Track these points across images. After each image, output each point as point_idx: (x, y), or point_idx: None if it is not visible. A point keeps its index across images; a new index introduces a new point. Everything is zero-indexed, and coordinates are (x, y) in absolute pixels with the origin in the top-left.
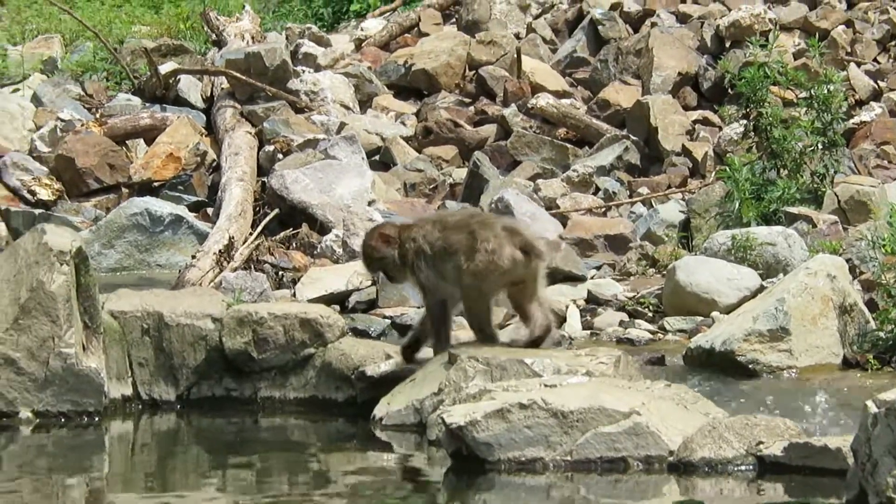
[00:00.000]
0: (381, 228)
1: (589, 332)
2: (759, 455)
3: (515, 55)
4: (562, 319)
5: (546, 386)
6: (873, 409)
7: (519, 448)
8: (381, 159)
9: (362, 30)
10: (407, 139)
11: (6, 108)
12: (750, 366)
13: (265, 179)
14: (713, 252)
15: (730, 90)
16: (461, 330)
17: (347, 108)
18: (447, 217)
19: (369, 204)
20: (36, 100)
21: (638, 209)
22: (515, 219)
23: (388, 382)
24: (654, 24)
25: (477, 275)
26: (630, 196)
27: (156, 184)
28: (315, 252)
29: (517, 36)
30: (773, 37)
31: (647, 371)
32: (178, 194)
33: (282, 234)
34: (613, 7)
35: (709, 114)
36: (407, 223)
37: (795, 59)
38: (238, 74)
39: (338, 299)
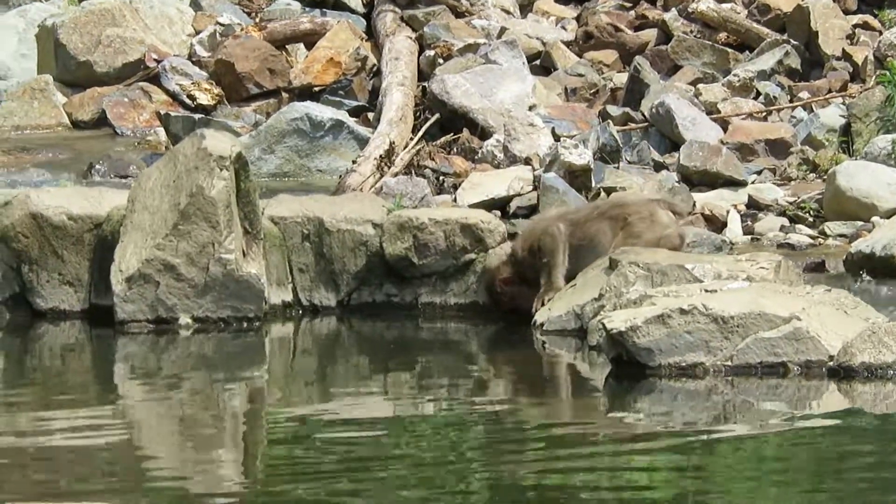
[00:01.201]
0: (498, 273)
1: (749, 237)
2: None
3: None
4: (722, 224)
5: (706, 291)
6: None
7: (679, 353)
8: (541, 64)
9: None
10: (567, 44)
11: (165, 13)
12: None
13: (425, 84)
14: (873, 156)
15: None
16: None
17: (508, 12)
18: (568, 215)
19: (530, 109)
20: (195, 4)
21: (798, 114)
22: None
23: None
24: None
25: (640, 241)
26: (790, 100)
27: (316, 88)
28: (476, 157)
29: None
30: None
31: (808, 276)
32: (338, 99)
33: (442, 139)
34: None
35: (869, 18)
36: (513, 247)
37: None
38: None
39: (499, 204)
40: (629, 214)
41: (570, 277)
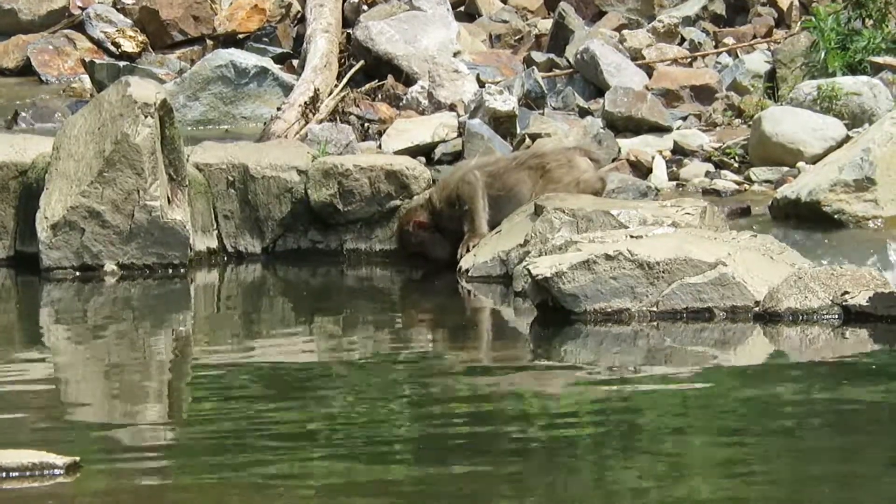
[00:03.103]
0: (414, 215)
1: (675, 182)
2: (845, 305)
3: None
4: (648, 170)
5: (632, 237)
6: None
7: (605, 299)
8: (466, 10)
9: None
10: None
11: None
12: (835, 216)
13: (350, 31)
14: (799, 102)
15: None
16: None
17: None
18: (486, 166)
19: (455, 55)
20: None
21: (723, 59)
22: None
23: None
24: None
25: (560, 186)
26: (716, 46)
27: (240, 36)
28: (400, 104)
29: None
30: None
31: (733, 221)
32: (262, 46)
33: (367, 85)
34: None
35: None
36: (430, 196)
37: None
38: None
39: (423, 151)
40: (548, 163)
41: (491, 227)
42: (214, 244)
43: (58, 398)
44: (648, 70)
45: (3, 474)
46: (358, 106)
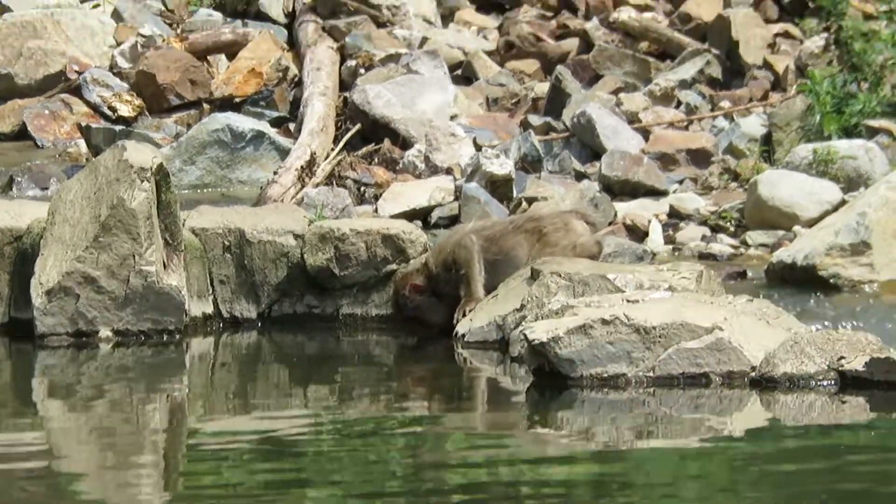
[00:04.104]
0: (410, 279)
1: (671, 246)
2: (841, 370)
3: None
4: (644, 234)
5: (628, 301)
6: None
7: (601, 364)
8: (463, 74)
9: None
10: (489, 53)
11: (87, 25)
12: (831, 280)
13: (347, 94)
14: (795, 166)
15: (810, 3)
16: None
17: (429, 22)
18: (483, 230)
19: (452, 118)
20: (116, 16)
21: (720, 123)
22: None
23: None
24: None
25: (556, 249)
26: (712, 110)
27: (237, 99)
28: (397, 167)
29: None
30: None
31: (729, 286)
32: (259, 110)
33: (364, 149)
34: None
35: (790, 27)
36: (425, 260)
37: None
38: None
39: (420, 215)
40: (544, 226)
41: (488, 291)
42: (210, 309)
43: (50, 468)
44: (645, 133)
45: None
46: (354, 170)
